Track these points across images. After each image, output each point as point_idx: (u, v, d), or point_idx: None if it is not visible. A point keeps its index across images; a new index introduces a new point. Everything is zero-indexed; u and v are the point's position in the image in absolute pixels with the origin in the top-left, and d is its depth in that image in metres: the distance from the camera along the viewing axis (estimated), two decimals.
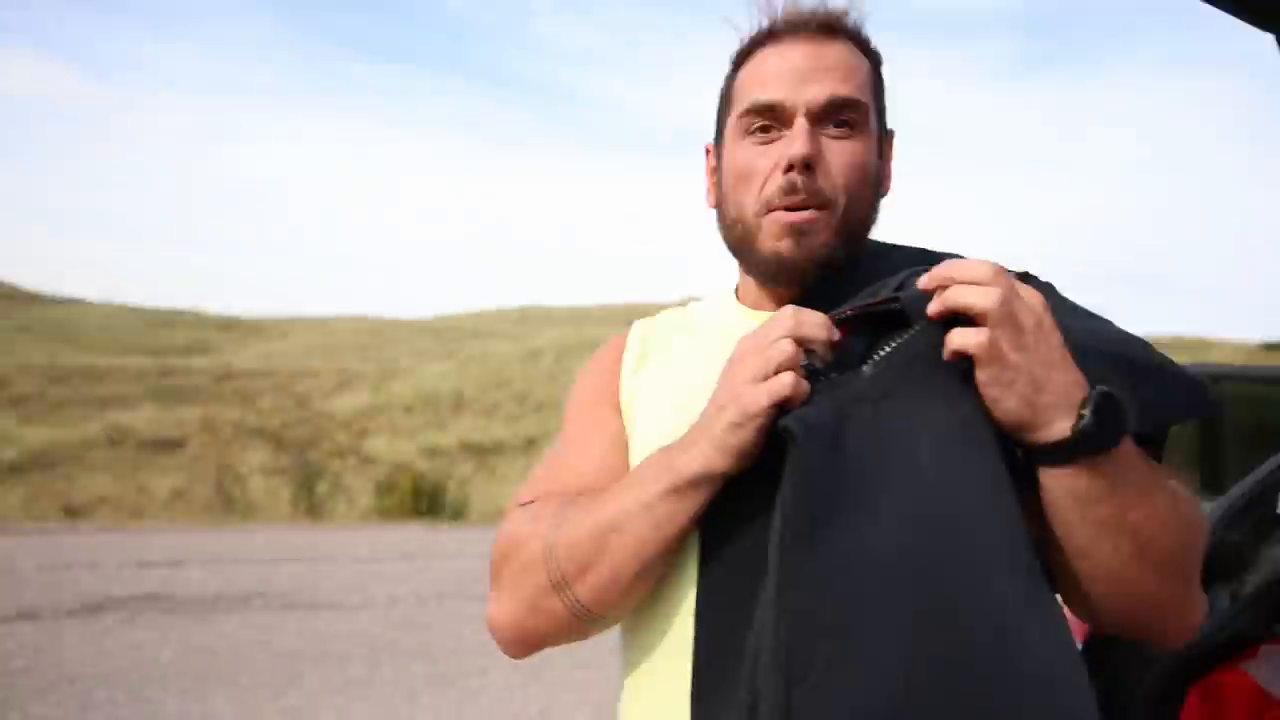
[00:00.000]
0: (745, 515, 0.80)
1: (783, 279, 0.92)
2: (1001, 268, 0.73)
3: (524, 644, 0.90)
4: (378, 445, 16.57)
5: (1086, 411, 0.70)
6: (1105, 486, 0.72)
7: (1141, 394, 0.79)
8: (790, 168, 0.87)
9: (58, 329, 26.68)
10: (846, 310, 0.80)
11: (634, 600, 0.87)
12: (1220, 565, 1.34)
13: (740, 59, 0.96)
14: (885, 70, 0.98)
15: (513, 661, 1.00)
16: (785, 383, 0.75)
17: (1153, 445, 0.84)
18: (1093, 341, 0.82)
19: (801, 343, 0.77)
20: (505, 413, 18.57)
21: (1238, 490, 1.47)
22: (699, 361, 0.91)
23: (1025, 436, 0.72)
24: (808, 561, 0.72)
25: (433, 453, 16.19)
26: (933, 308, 0.74)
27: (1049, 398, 0.71)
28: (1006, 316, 0.71)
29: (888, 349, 0.77)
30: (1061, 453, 0.71)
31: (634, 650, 0.90)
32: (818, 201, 0.89)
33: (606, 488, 0.87)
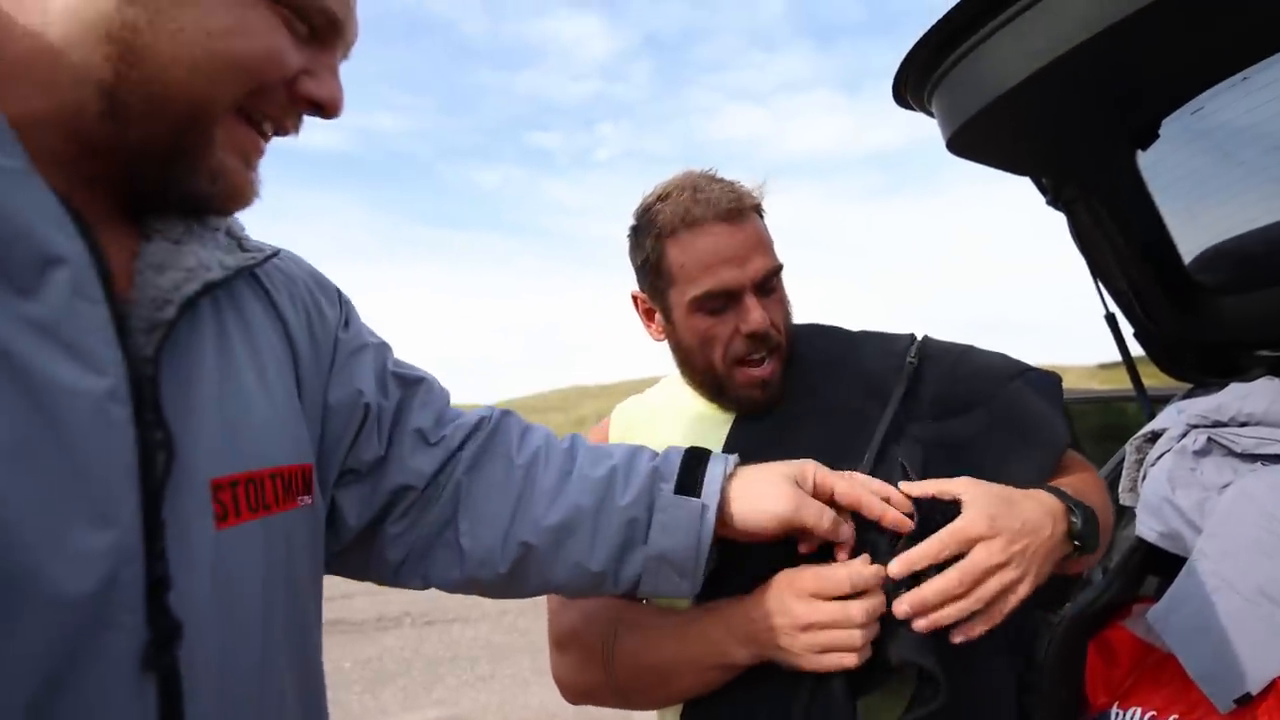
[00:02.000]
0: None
1: (750, 411, 0.91)
2: (994, 524, 0.68)
3: (580, 700, 0.85)
4: None
5: (1079, 544, 0.70)
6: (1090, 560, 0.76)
7: (1041, 395, 0.85)
8: (753, 334, 0.86)
9: None
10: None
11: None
12: None
13: (661, 233, 0.88)
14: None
15: None
16: (844, 664, 0.69)
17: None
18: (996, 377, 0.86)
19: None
20: None
21: None
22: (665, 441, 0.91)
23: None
24: None
25: None
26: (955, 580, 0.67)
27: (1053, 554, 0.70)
28: (1015, 556, 0.67)
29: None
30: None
31: None
32: (771, 351, 0.88)
33: (648, 616, 0.82)
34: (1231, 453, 1.24)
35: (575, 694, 0.85)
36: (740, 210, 0.87)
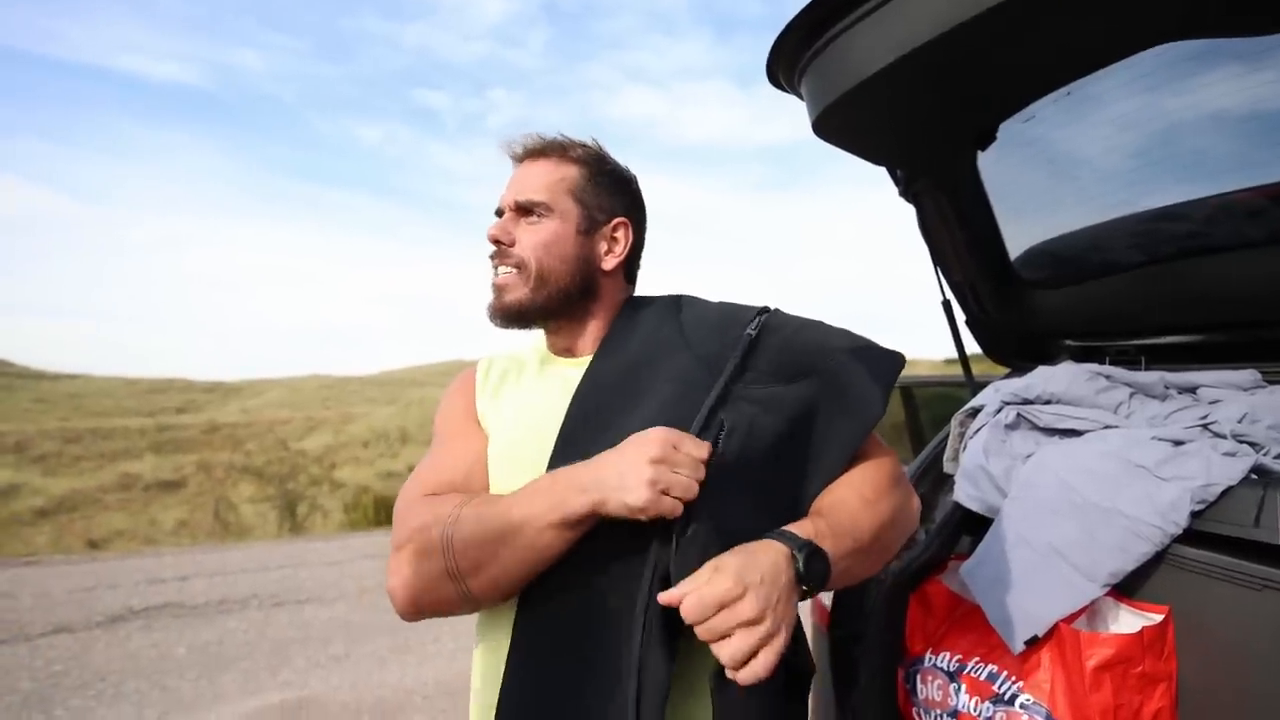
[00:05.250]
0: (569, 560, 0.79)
1: (497, 323, 0.97)
2: (726, 592, 0.69)
3: (417, 613, 0.83)
4: (344, 474, 15.66)
5: (808, 588, 0.73)
6: (846, 576, 0.80)
7: (871, 371, 0.88)
8: (490, 239, 0.96)
9: (67, 399, 24.06)
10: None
11: (513, 595, 0.82)
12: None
13: None
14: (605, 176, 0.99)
15: (455, 628, 0.94)
16: (673, 508, 0.73)
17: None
18: (822, 345, 0.90)
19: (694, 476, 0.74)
20: None
21: (919, 459, 1.62)
22: (525, 393, 0.96)
23: None
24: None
25: (388, 476, 15.42)
26: (702, 634, 0.69)
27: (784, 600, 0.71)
28: (756, 616, 0.68)
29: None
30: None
31: (482, 619, 0.90)
32: (515, 265, 0.95)
33: (496, 494, 0.84)
34: (1036, 427, 1.39)
35: (409, 597, 0.81)
36: (531, 152, 0.99)
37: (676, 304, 1.01)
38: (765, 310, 0.96)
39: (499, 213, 0.98)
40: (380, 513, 12.01)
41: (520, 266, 0.95)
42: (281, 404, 25.33)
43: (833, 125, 1.39)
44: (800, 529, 0.78)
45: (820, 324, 0.94)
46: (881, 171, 1.67)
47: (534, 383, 0.98)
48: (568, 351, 1.01)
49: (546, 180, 0.97)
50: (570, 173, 0.98)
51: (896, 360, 0.91)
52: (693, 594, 0.69)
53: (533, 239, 0.96)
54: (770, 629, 0.69)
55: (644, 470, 0.73)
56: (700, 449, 0.76)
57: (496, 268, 0.96)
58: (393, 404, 22.72)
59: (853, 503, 0.84)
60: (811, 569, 0.74)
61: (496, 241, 0.96)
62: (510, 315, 0.96)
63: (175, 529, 12.08)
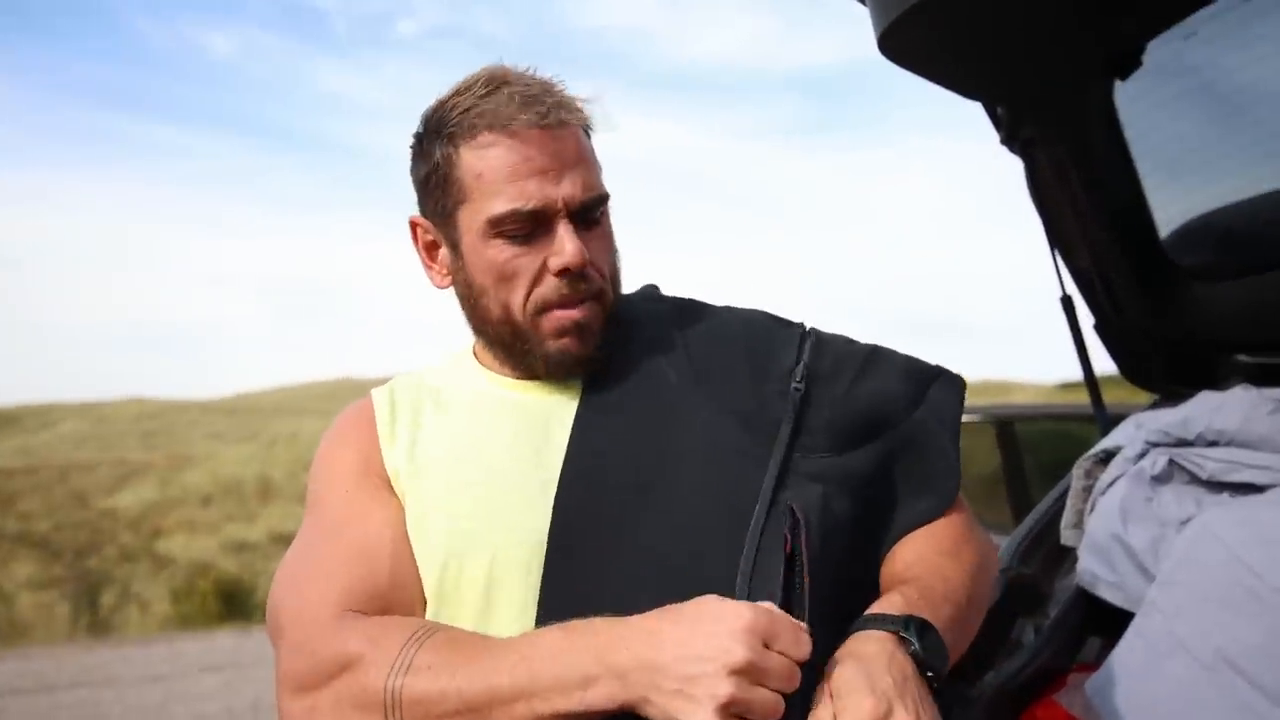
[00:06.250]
0: None
1: (562, 372, 0.99)
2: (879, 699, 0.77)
3: None
4: (172, 545, 15.53)
5: (933, 673, 0.82)
6: (953, 650, 0.87)
7: (943, 417, 1.04)
8: (566, 271, 0.94)
9: None
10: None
11: None
12: (1020, 600, 1.47)
13: (455, 135, 0.95)
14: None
15: None
16: None
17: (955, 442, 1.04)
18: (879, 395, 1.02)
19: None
20: None
21: (1025, 525, 1.64)
22: (463, 438, 0.98)
23: None
24: None
25: (239, 548, 15.30)
26: None
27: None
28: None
29: None
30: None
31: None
32: (592, 296, 0.97)
33: (466, 634, 0.85)
34: (1196, 479, 1.42)
35: None
36: (563, 118, 0.95)
37: (676, 318, 1.06)
38: (802, 336, 1.04)
39: (525, 218, 0.93)
40: (228, 604, 11.88)
41: (600, 296, 0.98)
42: (81, 439, 25.15)
43: (907, 42, 1.42)
44: (889, 605, 0.86)
45: (875, 358, 1.05)
46: (973, 109, 1.70)
47: (471, 422, 1.00)
48: (522, 372, 1.02)
49: (593, 161, 0.99)
50: (591, 145, 1.00)
51: (959, 400, 1.07)
52: None
53: (604, 254, 0.99)
54: None
55: (720, 684, 0.72)
56: (801, 646, 0.76)
57: (575, 302, 0.95)
58: (250, 441, 22.66)
59: (933, 558, 0.95)
60: (928, 645, 0.83)
61: (579, 269, 0.94)
62: (595, 363, 0.99)
63: None
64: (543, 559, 0.89)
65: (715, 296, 1.13)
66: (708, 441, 0.94)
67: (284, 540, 16.10)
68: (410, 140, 1.01)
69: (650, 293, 1.12)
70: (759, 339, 1.04)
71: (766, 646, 0.74)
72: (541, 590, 0.89)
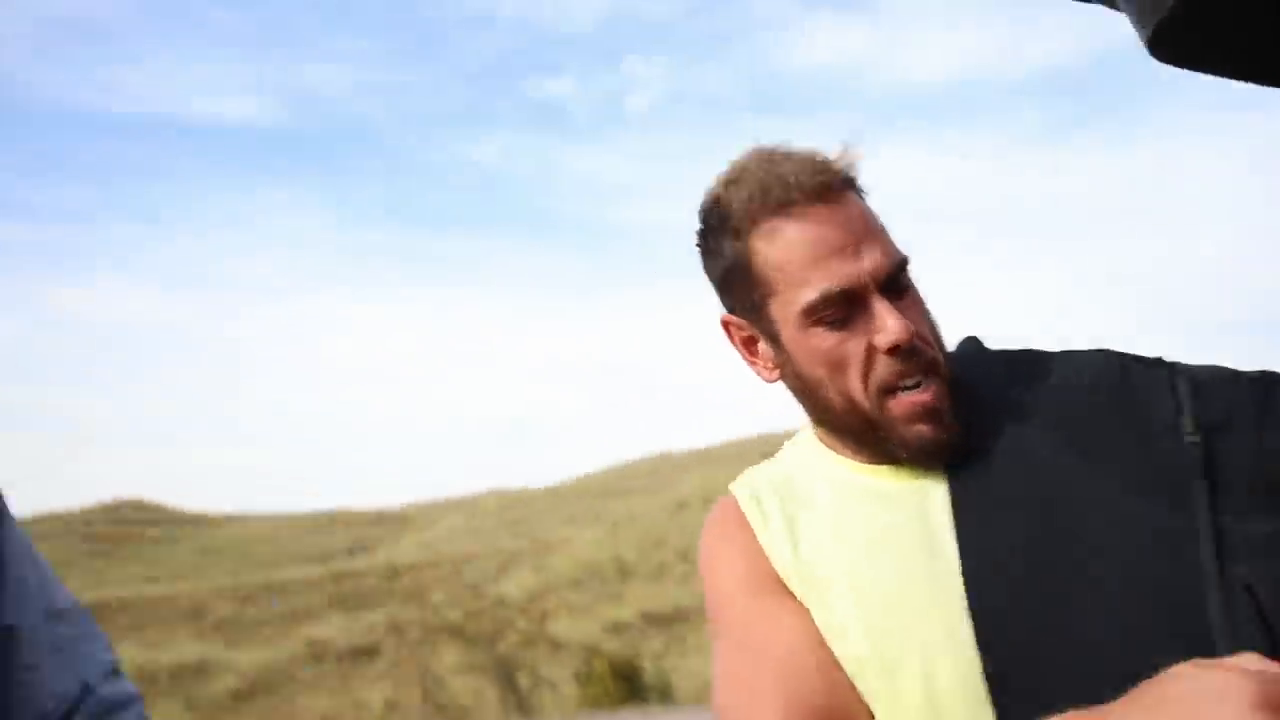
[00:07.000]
0: None
1: (925, 459, 0.92)
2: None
3: None
4: (560, 628, 17.18)
5: None
6: None
7: None
8: (895, 349, 0.89)
9: (232, 548, 28.91)
10: None
11: None
12: None
13: (741, 226, 0.94)
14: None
15: None
16: None
17: None
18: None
19: None
20: (675, 574, 18.91)
21: None
22: (842, 531, 0.93)
23: None
24: None
25: (617, 628, 16.82)
26: None
27: None
28: None
29: None
30: None
31: None
32: (930, 370, 0.91)
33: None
34: None
35: None
36: (833, 186, 0.92)
37: (1019, 377, 0.97)
38: (1171, 374, 0.92)
39: (837, 301, 0.89)
40: (624, 685, 12.98)
41: (936, 368, 0.92)
42: (461, 533, 27.80)
43: (1189, 35, 0.85)
44: None
45: (1276, 389, 0.90)
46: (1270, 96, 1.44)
47: (842, 514, 0.95)
48: (880, 458, 0.96)
49: (881, 224, 0.94)
50: (868, 203, 0.96)
51: None
52: None
53: (923, 320, 0.94)
54: None
55: None
56: None
57: (915, 381, 0.90)
58: (595, 524, 23.84)
59: None
60: None
61: (908, 345, 0.89)
62: (956, 449, 0.91)
63: (385, 712, 14.51)
64: (972, 656, 0.84)
65: (1011, 337, 1.05)
66: (1113, 520, 0.85)
67: (654, 619, 17.79)
68: (694, 239, 1.01)
69: (975, 349, 1.04)
70: (1121, 386, 0.93)
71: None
72: (993, 672, 0.83)
